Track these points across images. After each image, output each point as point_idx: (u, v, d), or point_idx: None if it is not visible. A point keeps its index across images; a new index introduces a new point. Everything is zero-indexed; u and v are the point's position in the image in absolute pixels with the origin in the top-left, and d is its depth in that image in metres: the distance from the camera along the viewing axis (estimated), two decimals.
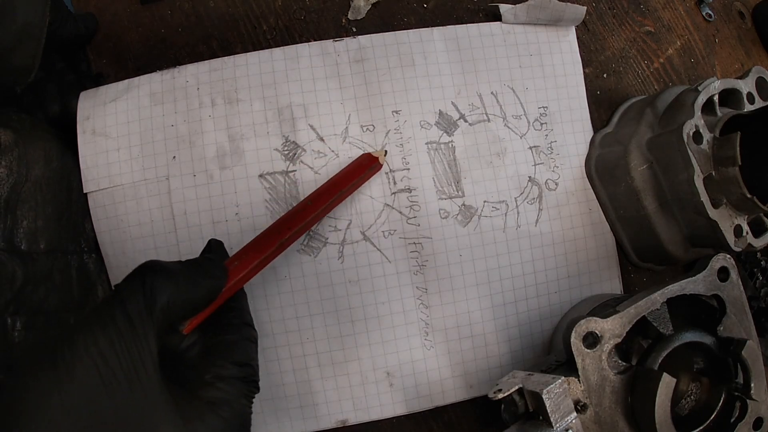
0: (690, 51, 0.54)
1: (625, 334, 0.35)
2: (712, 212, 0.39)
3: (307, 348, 0.43)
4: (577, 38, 0.49)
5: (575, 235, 0.47)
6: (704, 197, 0.39)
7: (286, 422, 0.42)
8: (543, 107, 0.47)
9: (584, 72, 0.49)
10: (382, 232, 0.44)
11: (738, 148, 0.38)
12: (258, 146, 0.43)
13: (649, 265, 0.49)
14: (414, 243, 0.44)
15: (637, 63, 0.52)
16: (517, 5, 0.47)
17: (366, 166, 0.42)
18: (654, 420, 0.33)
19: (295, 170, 0.43)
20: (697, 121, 0.40)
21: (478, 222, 0.45)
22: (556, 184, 0.47)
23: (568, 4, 0.46)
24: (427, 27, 0.46)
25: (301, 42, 0.46)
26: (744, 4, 0.58)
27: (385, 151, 0.44)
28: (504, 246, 0.46)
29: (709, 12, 0.55)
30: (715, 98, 0.41)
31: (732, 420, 0.37)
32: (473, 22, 0.47)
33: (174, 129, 0.43)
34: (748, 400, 0.36)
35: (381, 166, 0.43)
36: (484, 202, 0.45)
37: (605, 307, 0.41)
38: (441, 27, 0.46)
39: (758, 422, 0.37)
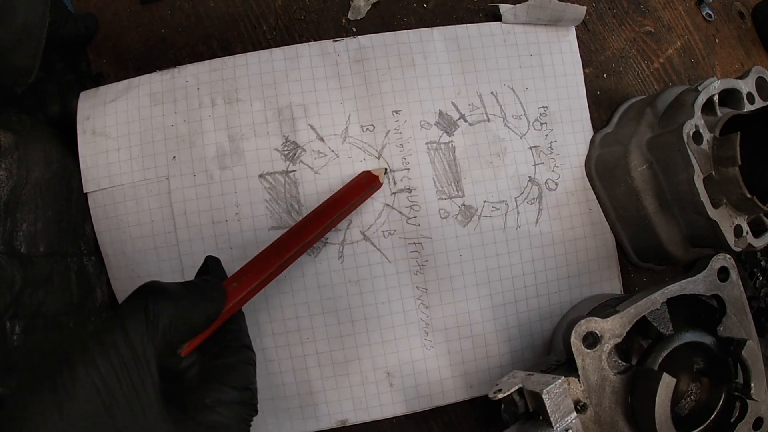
0: (690, 51, 0.54)
1: (625, 334, 0.35)
2: (712, 212, 0.39)
3: (307, 348, 0.43)
4: (577, 38, 0.49)
5: (575, 235, 0.47)
6: (704, 197, 0.39)
7: (286, 422, 0.42)
8: (543, 107, 0.47)
9: (584, 72, 0.49)
10: (382, 232, 0.44)
11: (738, 148, 0.38)
12: (258, 146, 0.43)
13: (649, 265, 0.49)
14: (414, 243, 0.44)
15: (637, 63, 0.52)
16: (517, 5, 0.47)
17: (365, 186, 0.42)
18: (654, 420, 0.33)
19: (295, 170, 0.43)
20: (697, 121, 0.40)
21: (478, 222, 0.45)
22: (556, 184, 0.47)
23: (568, 4, 0.46)
24: (427, 27, 0.46)
25: (301, 42, 0.46)
26: (744, 4, 0.58)
27: (385, 170, 0.44)
28: (504, 246, 0.46)
29: (709, 12, 0.55)
30: (715, 98, 0.41)
31: (732, 420, 0.37)
32: (473, 22, 0.47)
33: (174, 129, 0.43)
34: (748, 400, 0.36)
35: (381, 185, 0.43)
36: (484, 202, 0.45)
37: (605, 307, 0.41)
38: (441, 27, 0.46)
39: (758, 422, 0.37)
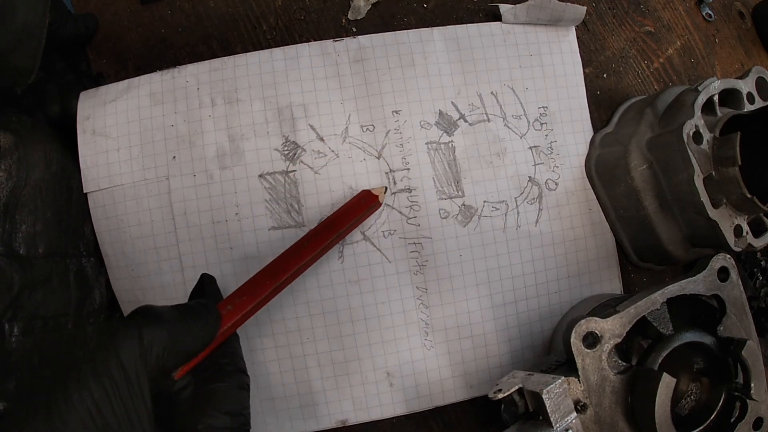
0: (690, 51, 0.54)
1: (625, 334, 0.35)
2: (712, 212, 0.39)
3: (307, 348, 0.43)
4: (577, 38, 0.49)
5: (575, 235, 0.47)
6: (704, 197, 0.39)
7: (286, 422, 0.42)
8: (543, 107, 0.47)
9: (584, 72, 0.49)
10: (382, 232, 0.44)
11: (738, 148, 0.38)
12: (258, 146, 0.43)
13: (649, 265, 0.49)
14: (414, 243, 0.44)
15: (637, 63, 0.52)
16: (517, 5, 0.47)
17: (364, 206, 0.41)
18: (654, 420, 0.33)
19: (295, 170, 0.43)
20: (697, 121, 0.40)
21: (478, 222, 0.45)
22: (556, 184, 0.47)
23: (568, 4, 0.46)
24: (427, 27, 0.46)
25: (301, 42, 0.46)
26: (744, 4, 0.58)
27: (385, 188, 0.43)
28: (504, 246, 0.46)
29: (709, 12, 0.55)
30: (715, 98, 0.41)
31: (732, 420, 0.37)
32: (473, 22, 0.47)
33: (174, 129, 0.43)
34: (748, 400, 0.36)
35: (380, 204, 0.42)
36: (484, 202, 0.45)
37: (605, 307, 0.41)
38: (441, 27, 0.46)
39: (758, 422, 0.37)
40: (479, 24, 0.47)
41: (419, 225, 0.44)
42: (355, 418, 0.43)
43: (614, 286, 0.48)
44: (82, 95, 0.44)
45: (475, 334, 0.45)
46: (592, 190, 0.48)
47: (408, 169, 0.44)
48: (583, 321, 0.35)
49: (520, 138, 0.47)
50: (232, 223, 0.43)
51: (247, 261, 0.42)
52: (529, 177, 0.47)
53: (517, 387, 0.33)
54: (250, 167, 0.43)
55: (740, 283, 0.38)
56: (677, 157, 0.40)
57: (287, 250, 0.38)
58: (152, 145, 0.43)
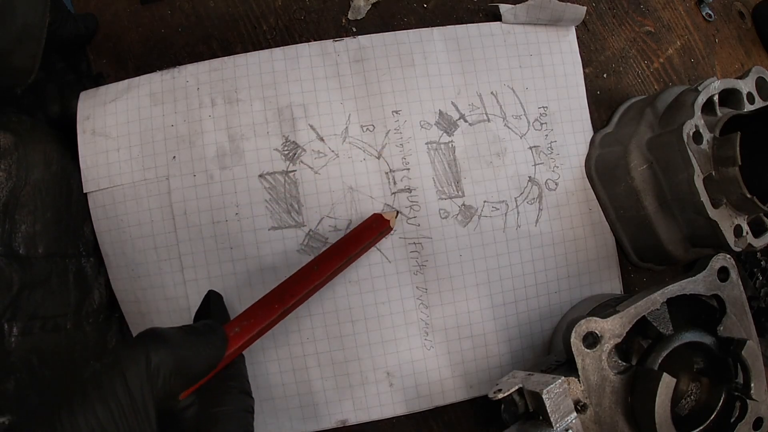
0: (690, 51, 0.54)
1: (625, 334, 0.35)
2: (712, 212, 0.39)
3: (307, 348, 0.43)
4: (577, 38, 0.49)
5: (575, 235, 0.47)
6: (704, 197, 0.39)
7: (286, 422, 0.42)
8: (543, 107, 0.47)
9: (584, 72, 0.49)
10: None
11: (738, 148, 0.38)
12: (258, 146, 0.43)
13: (649, 265, 0.49)
14: (414, 243, 0.44)
15: (637, 63, 0.52)
16: (517, 5, 0.47)
17: (375, 231, 0.41)
18: (654, 420, 0.33)
19: (295, 170, 0.43)
20: (697, 121, 0.40)
21: (478, 222, 0.45)
22: (556, 184, 0.47)
23: (568, 4, 0.46)
24: (427, 27, 0.46)
25: (301, 42, 0.46)
26: (744, 4, 0.58)
27: (397, 212, 0.43)
28: (504, 246, 0.46)
29: (709, 12, 0.55)
30: (715, 98, 0.41)
31: (732, 420, 0.37)
32: (473, 22, 0.47)
33: (174, 129, 0.43)
34: (748, 400, 0.36)
35: (391, 229, 0.42)
36: (484, 202, 0.45)
37: (605, 307, 0.41)
38: (441, 27, 0.46)
39: (758, 422, 0.37)
40: (479, 24, 0.47)
41: (419, 225, 0.44)
42: (355, 418, 0.43)
43: (614, 286, 0.48)
44: (82, 95, 0.44)
45: (475, 334, 0.45)
46: (592, 190, 0.48)
47: (408, 169, 0.44)
48: (583, 321, 0.35)
49: (520, 138, 0.47)
50: (232, 223, 0.43)
51: (247, 261, 0.42)
52: (529, 177, 0.47)
53: (517, 387, 0.33)
54: (250, 167, 0.43)
55: (740, 283, 0.38)
56: (677, 157, 0.40)
57: (297, 273, 0.38)
58: (152, 145, 0.43)
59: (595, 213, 0.48)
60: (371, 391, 0.43)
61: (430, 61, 0.45)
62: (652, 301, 0.36)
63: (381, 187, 0.44)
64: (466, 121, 0.46)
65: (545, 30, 0.48)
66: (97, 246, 0.43)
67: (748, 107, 0.42)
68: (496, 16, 0.48)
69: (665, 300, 0.36)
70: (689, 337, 0.37)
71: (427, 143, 0.45)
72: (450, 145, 0.45)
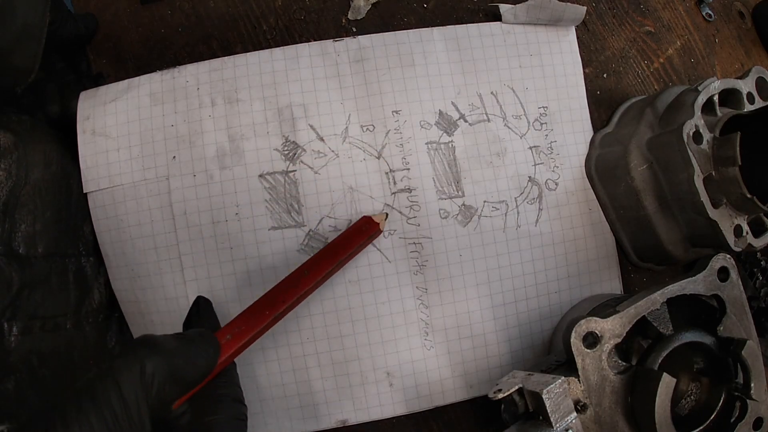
0: (690, 51, 0.54)
1: (625, 334, 0.35)
2: (712, 212, 0.39)
3: (307, 348, 0.43)
4: (577, 38, 0.49)
5: (575, 235, 0.47)
6: (704, 197, 0.39)
7: (286, 422, 0.42)
8: (543, 107, 0.47)
9: (584, 72, 0.49)
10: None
11: (738, 148, 0.38)
12: (258, 146, 0.43)
13: (649, 265, 0.49)
14: (414, 243, 0.44)
15: (637, 63, 0.52)
16: (517, 5, 0.47)
17: (365, 234, 0.41)
18: (654, 420, 0.33)
19: (295, 170, 0.43)
20: (697, 121, 0.40)
21: (478, 222, 0.45)
22: (556, 184, 0.47)
23: (568, 4, 0.46)
24: (427, 27, 0.46)
25: (301, 42, 0.46)
26: (744, 4, 0.58)
27: (386, 215, 0.43)
28: (504, 246, 0.46)
29: (709, 12, 0.55)
30: (715, 98, 0.41)
31: (732, 420, 0.37)
32: (473, 22, 0.47)
33: (174, 129, 0.43)
34: (748, 400, 0.36)
35: (381, 231, 0.42)
36: (484, 202, 0.45)
37: (605, 307, 0.41)
38: (441, 27, 0.46)
39: (758, 422, 0.37)
40: (479, 24, 0.47)
41: (419, 225, 0.44)
42: (355, 418, 0.43)
43: (614, 286, 0.48)
44: (82, 95, 0.44)
45: (475, 334, 0.45)
46: (592, 190, 0.48)
47: (408, 169, 0.44)
48: (583, 321, 0.35)
49: (520, 138, 0.47)
50: (232, 223, 0.43)
51: (247, 261, 0.42)
52: (529, 177, 0.47)
53: (517, 387, 0.33)
54: (250, 167, 0.43)
55: (740, 283, 0.38)
56: (677, 157, 0.40)
57: (287, 279, 0.38)
58: (152, 145, 0.43)
59: (595, 213, 0.48)
60: (371, 391, 0.43)
61: (430, 61, 0.45)
62: (652, 301, 0.36)
63: (381, 187, 0.44)
64: (466, 121, 0.46)
65: (545, 30, 0.48)
66: (97, 246, 0.43)
67: (748, 107, 0.42)
68: (496, 16, 0.48)
69: (665, 300, 0.36)
70: (689, 337, 0.37)
71: (427, 143, 0.45)
72: (450, 145, 0.45)
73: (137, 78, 0.44)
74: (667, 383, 0.33)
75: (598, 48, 0.51)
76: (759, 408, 0.36)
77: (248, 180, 0.43)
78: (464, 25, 0.47)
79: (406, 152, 0.45)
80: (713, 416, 0.37)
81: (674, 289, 0.36)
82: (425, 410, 0.44)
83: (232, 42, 0.46)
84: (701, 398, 0.38)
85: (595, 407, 0.35)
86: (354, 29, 0.47)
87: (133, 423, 0.27)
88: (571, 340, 0.34)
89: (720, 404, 0.37)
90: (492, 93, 0.46)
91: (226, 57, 0.44)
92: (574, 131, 0.48)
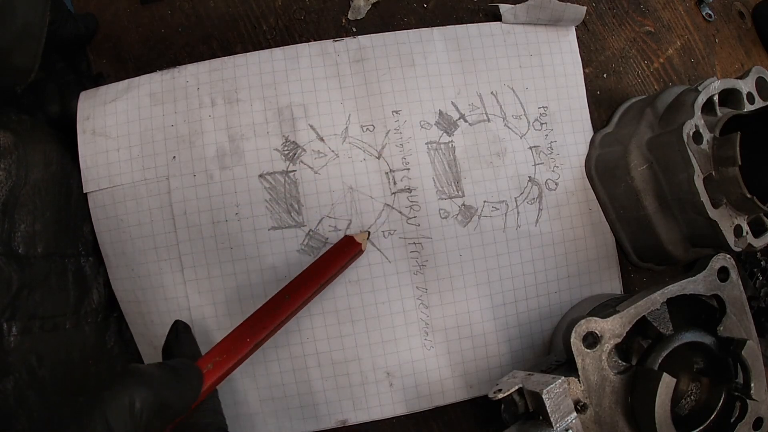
0: (690, 51, 0.54)
1: (625, 334, 0.35)
2: (712, 212, 0.39)
3: (307, 348, 0.43)
4: (577, 38, 0.49)
5: (575, 235, 0.47)
6: (704, 197, 0.39)
7: (286, 422, 0.42)
8: (543, 107, 0.47)
9: (584, 72, 0.49)
10: (382, 232, 0.44)
11: (738, 148, 0.38)
12: (258, 146, 0.43)
13: (649, 265, 0.49)
14: (414, 243, 0.44)
15: (637, 63, 0.52)
16: (517, 5, 0.47)
17: (347, 254, 0.40)
18: (654, 420, 0.33)
19: (295, 170, 0.43)
20: (697, 121, 0.40)
21: (478, 222, 0.45)
22: (556, 184, 0.47)
23: (568, 4, 0.46)
24: (427, 27, 0.46)
25: (301, 42, 0.46)
26: (744, 4, 0.58)
27: (368, 233, 0.43)
28: (504, 246, 0.46)
29: (709, 12, 0.55)
30: (715, 98, 0.41)
31: (732, 420, 0.37)
32: (473, 22, 0.47)
33: (174, 129, 0.43)
34: (748, 400, 0.36)
35: (362, 251, 0.42)
36: (484, 202, 0.45)
37: (605, 307, 0.41)
38: (441, 27, 0.46)
39: (758, 422, 0.37)
40: (479, 24, 0.47)
41: (419, 225, 0.44)
42: (355, 418, 0.43)
43: (614, 286, 0.48)
44: (82, 95, 0.44)
45: (475, 334, 0.45)
46: (592, 190, 0.48)
47: (408, 169, 0.44)
48: (583, 321, 0.35)
49: (520, 138, 0.47)
50: (232, 223, 0.43)
51: (247, 261, 0.42)
52: (529, 177, 0.47)
53: (517, 387, 0.33)
54: (250, 167, 0.43)
55: (740, 283, 0.38)
56: (677, 157, 0.40)
57: (268, 303, 0.37)
58: (152, 145, 0.43)
59: (595, 213, 0.48)
60: (371, 391, 0.43)
61: (430, 61, 0.45)
62: (652, 301, 0.36)
63: (381, 187, 0.44)
64: (466, 121, 0.46)
65: (545, 30, 0.48)
66: (97, 246, 0.43)
67: (748, 107, 0.42)
68: (496, 16, 0.48)
69: (665, 300, 0.36)
70: (689, 337, 0.37)
71: (427, 143, 0.45)
72: (450, 145, 0.45)
73: (137, 78, 0.44)
74: (667, 383, 0.33)
75: (598, 48, 0.51)
76: (759, 408, 0.36)
77: (248, 180, 0.43)
78: (464, 25, 0.47)
79: (406, 152, 0.45)
80: (713, 416, 0.37)
81: (674, 289, 0.36)
82: (425, 410, 0.44)
83: (232, 42, 0.46)
84: (701, 398, 0.38)
85: (595, 407, 0.35)
86: (354, 29, 0.47)
87: None
88: (571, 340, 0.34)
89: (720, 404, 0.37)
90: (492, 93, 0.46)
91: (226, 57, 0.44)
92: (574, 131, 0.48)
